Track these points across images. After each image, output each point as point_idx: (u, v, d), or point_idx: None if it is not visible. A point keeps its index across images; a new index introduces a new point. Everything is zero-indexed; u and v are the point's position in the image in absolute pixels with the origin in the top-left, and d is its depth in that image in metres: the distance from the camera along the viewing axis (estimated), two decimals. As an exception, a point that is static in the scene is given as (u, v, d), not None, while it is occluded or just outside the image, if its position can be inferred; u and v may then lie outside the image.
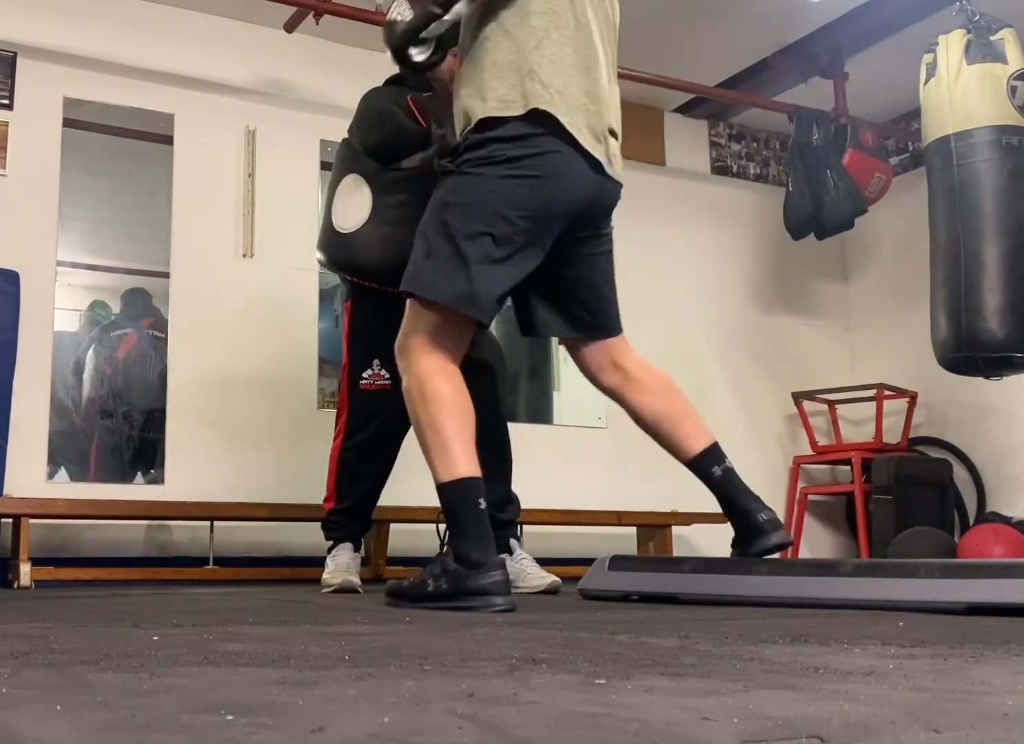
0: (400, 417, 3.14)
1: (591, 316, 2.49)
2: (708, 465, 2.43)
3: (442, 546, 2.30)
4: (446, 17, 2.25)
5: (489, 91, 2.25)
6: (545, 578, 3.10)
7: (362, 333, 3.17)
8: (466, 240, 2.22)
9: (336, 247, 3.17)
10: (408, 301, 2.34)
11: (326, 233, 3.21)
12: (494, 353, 3.29)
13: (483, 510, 2.19)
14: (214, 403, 4.35)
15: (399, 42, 2.27)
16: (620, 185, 2.39)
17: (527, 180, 2.22)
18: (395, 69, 3.32)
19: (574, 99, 2.24)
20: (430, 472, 2.22)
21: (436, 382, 2.24)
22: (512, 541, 3.20)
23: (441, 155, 2.40)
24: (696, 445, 2.44)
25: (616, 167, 2.34)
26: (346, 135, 3.25)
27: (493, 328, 3.41)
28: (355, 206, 3.11)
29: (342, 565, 3.08)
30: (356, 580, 3.03)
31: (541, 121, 2.22)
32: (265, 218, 4.55)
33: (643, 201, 5.34)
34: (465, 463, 2.18)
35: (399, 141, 3.05)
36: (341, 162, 3.24)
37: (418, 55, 2.29)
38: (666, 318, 5.29)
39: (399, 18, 2.25)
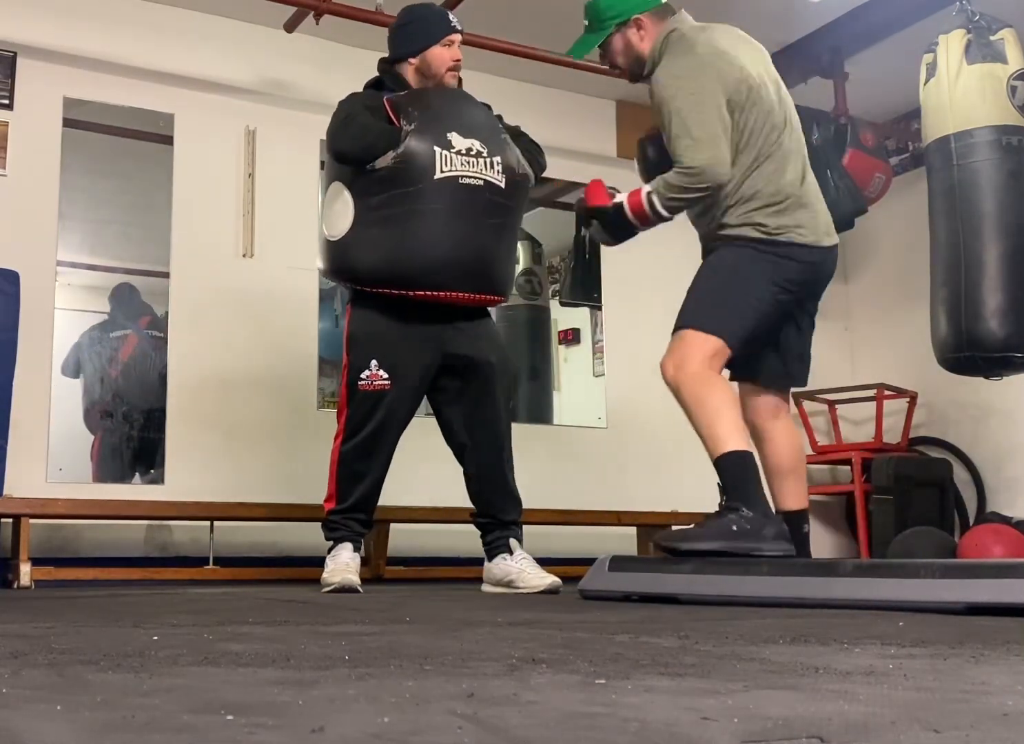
0: (397, 417, 3.16)
1: (795, 368, 3.01)
2: (801, 521, 2.93)
3: (722, 498, 2.68)
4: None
5: None
6: (545, 578, 3.10)
7: (361, 335, 3.17)
8: (749, 298, 2.78)
9: (330, 256, 3.20)
10: (684, 332, 2.79)
11: (321, 243, 3.25)
12: (496, 352, 3.28)
13: (758, 477, 2.67)
14: (214, 403, 4.35)
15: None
16: (834, 254, 2.91)
17: (793, 279, 2.82)
18: (374, 72, 3.33)
19: (795, 212, 2.83)
20: (707, 446, 2.65)
21: (717, 378, 2.73)
22: (512, 541, 3.20)
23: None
24: (799, 502, 2.95)
25: (827, 238, 2.86)
26: None
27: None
28: (339, 213, 3.13)
29: (342, 564, 3.07)
30: (356, 579, 3.03)
31: None
32: (265, 218, 4.55)
33: (643, 201, 5.33)
34: (744, 441, 2.67)
35: (365, 143, 3.04)
36: (326, 172, 3.27)
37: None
38: (667, 318, 5.27)
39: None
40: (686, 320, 2.81)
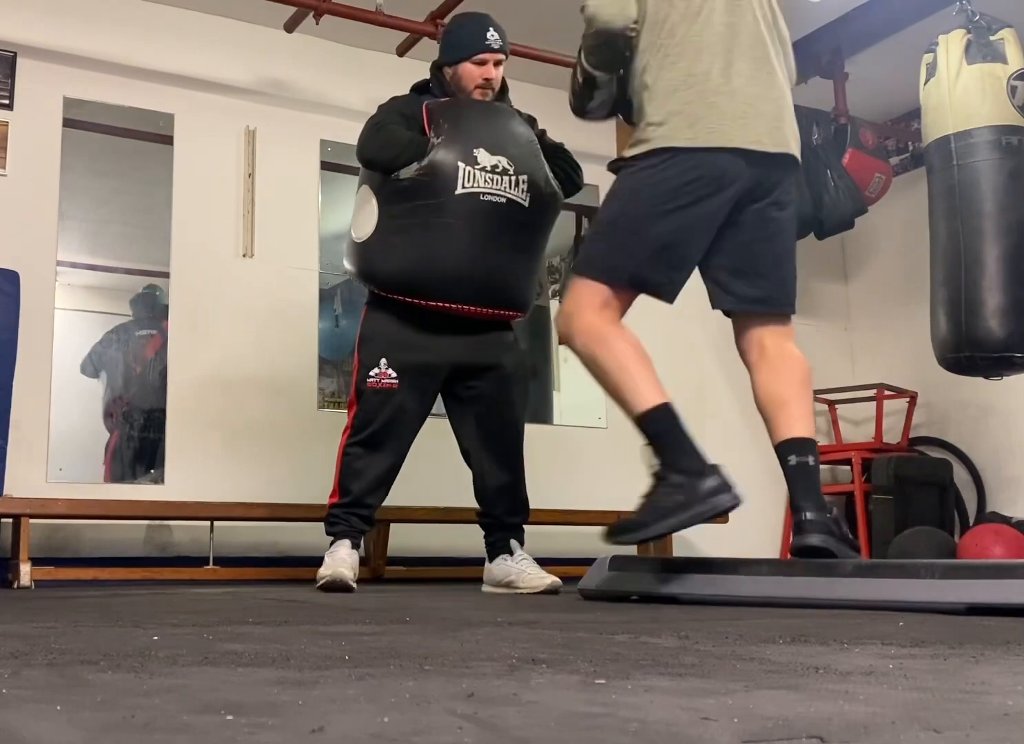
0: (406, 416, 3.17)
1: (769, 288, 2.62)
2: (786, 452, 2.51)
3: (653, 470, 2.47)
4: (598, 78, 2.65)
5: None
6: (545, 578, 3.10)
7: (373, 335, 3.20)
8: (632, 223, 2.48)
9: (355, 258, 3.24)
10: (575, 279, 2.55)
11: (348, 243, 3.28)
12: (512, 359, 3.29)
13: (683, 426, 2.42)
14: (214, 403, 4.35)
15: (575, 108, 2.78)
16: (783, 156, 2.55)
17: (684, 185, 2.47)
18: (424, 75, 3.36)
19: (691, 109, 2.48)
20: (623, 409, 2.47)
21: (611, 330, 2.48)
22: (513, 542, 3.21)
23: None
24: (788, 432, 2.53)
25: (769, 144, 2.50)
26: None
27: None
28: (365, 217, 3.17)
29: (338, 560, 3.09)
30: (348, 574, 3.03)
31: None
32: (265, 218, 4.55)
33: (643, 201, 5.33)
34: (659, 392, 2.42)
35: (390, 154, 3.08)
36: (360, 173, 3.29)
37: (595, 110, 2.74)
38: (666, 318, 5.27)
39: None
40: (575, 266, 2.66)
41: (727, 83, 2.49)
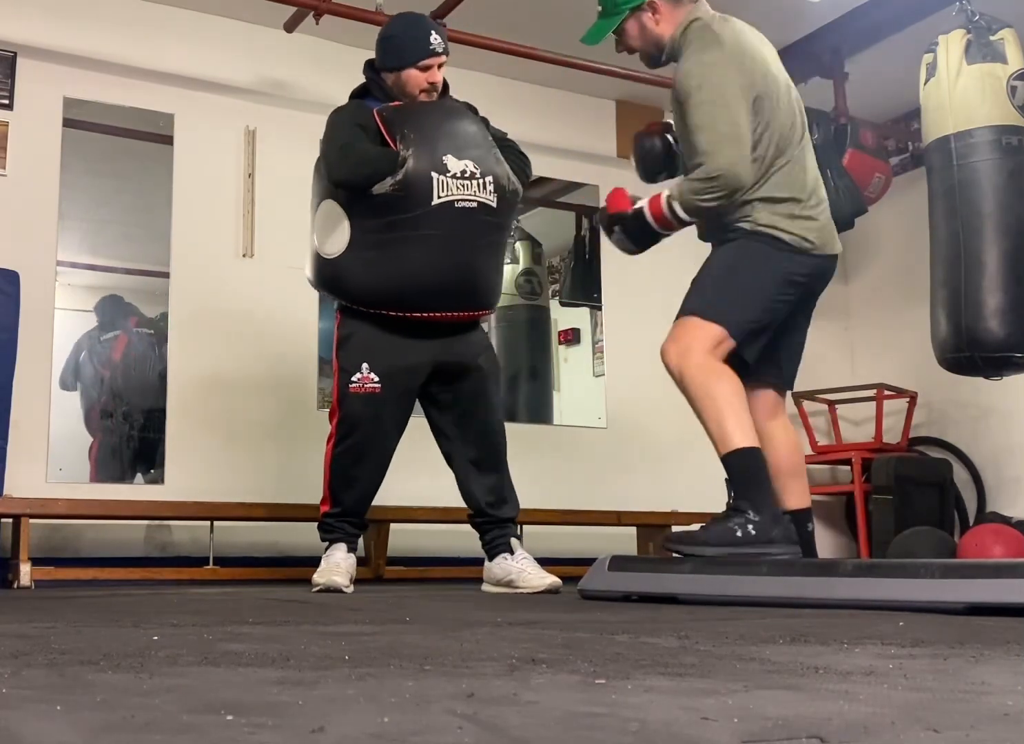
0: (390, 420, 3.17)
1: (788, 367, 3.01)
2: (805, 520, 2.86)
3: (729, 501, 2.64)
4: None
5: None
6: (545, 578, 3.10)
7: (351, 339, 3.20)
8: (754, 291, 2.78)
9: (323, 272, 3.21)
10: (689, 319, 2.78)
11: (313, 257, 3.24)
12: (485, 356, 3.30)
13: (768, 474, 2.64)
14: (214, 403, 4.35)
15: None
16: (836, 259, 2.93)
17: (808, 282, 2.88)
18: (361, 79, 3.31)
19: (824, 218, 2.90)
20: (715, 441, 2.62)
21: (725, 369, 2.68)
22: (513, 540, 3.21)
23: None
24: (794, 504, 2.84)
25: (826, 247, 2.85)
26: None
27: (491, 329, 3.43)
28: (334, 233, 3.12)
29: (332, 565, 3.10)
30: (341, 580, 3.03)
31: None
32: (265, 218, 4.55)
33: (643, 201, 5.33)
34: (754, 437, 2.63)
35: (366, 173, 3.03)
36: (317, 185, 3.23)
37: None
38: (666, 319, 5.27)
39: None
40: (692, 306, 2.79)
41: (820, 188, 2.93)
